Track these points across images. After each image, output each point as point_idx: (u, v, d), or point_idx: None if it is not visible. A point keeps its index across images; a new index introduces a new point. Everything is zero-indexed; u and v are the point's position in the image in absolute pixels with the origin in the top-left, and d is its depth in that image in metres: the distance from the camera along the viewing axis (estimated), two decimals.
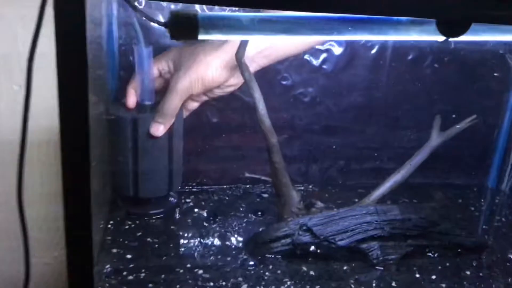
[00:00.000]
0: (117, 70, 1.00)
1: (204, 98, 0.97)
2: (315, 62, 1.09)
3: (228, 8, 0.89)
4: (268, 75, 1.07)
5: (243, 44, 0.81)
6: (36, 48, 0.55)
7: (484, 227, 1.06)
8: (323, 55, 1.09)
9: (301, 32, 0.55)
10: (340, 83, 1.12)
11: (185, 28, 0.53)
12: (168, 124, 0.90)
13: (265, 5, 0.50)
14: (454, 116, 1.13)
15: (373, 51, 1.11)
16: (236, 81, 0.92)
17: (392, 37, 0.58)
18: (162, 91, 0.93)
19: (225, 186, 1.14)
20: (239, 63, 0.83)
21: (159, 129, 0.89)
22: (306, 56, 1.08)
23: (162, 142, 0.94)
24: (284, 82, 1.09)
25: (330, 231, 0.83)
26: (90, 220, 0.57)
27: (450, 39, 0.59)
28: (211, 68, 0.87)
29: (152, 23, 0.99)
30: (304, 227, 0.84)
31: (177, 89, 0.88)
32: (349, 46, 1.09)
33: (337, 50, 1.09)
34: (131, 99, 0.93)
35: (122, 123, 0.91)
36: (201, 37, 0.53)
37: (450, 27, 0.58)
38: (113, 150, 0.93)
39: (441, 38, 0.59)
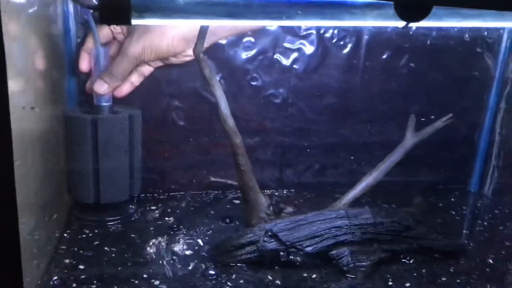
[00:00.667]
0: (74, 70, 0.95)
1: (160, 64, 0.93)
2: (286, 62, 1.05)
3: None
4: (236, 75, 1.03)
5: (201, 39, 0.76)
6: None
7: (465, 231, 1.01)
8: (294, 55, 1.05)
9: (246, 16, 0.51)
10: (312, 84, 1.07)
11: (116, 12, 0.48)
12: (113, 86, 0.88)
13: None
14: (432, 117, 1.08)
15: (346, 50, 1.07)
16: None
17: (346, 22, 0.53)
18: (116, 54, 0.90)
19: (194, 192, 1.09)
20: (197, 59, 0.78)
21: (102, 87, 0.87)
22: (276, 56, 1.04)
23: (123, 144, 0.89)
24: (254, 83, 1.05)
25: (297, 236, 0.78)
26: (17, 226, 0.52)
27: (411, 25, 0.55)
28: (166, 38, 0.84)
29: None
30: (270, 233, 0.79)
31: (128, 54, 0.85)
32: (321, 45, 1.05)
33: (309, 49, 1.05)
34: (84, 63, 0.89)
35: (81, 124, 0.86)
36: (134, 21, 0.48)
37: (409, 11, 0.53)
38: (71, 153, 0.88)
39: (400, 23, 0.55)
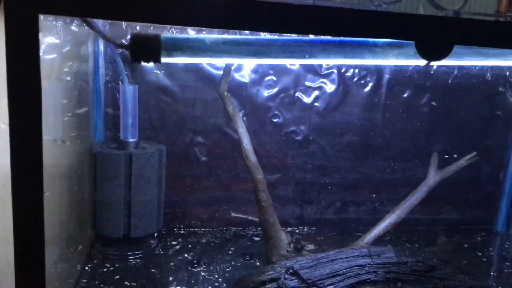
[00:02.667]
0: (102, 107, 0.98)
1: None
2: (307, 100, 1.06)
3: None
4: (258, 112, 1.05)
5: (225, 78, 0.79)
6: None
7: (492, 273, 0.98)
8: (315, 93, 1.06)
9: (270, 55, 0.52)
10: (333, 121, 1.08)
11: (146, 51, 0.50)
12: None
13: (236, 27, 0.48)
14: (455, 155, 1.08)
15: (367, 88, 1.08)
16: None
17: (368, 61, 0.55)
18: None
19: (214, 229, 1.09)
20: (222, 96, 0.81)
21: None
22: (298, 94, 1.05)
23: (153, 179, 0.91)
24: (275, 120, 1.06)
25: (318, 274, 0.77)
26: (43, 257, 0.52)
27: (432, 63, 0.56)
28: None
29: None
30: (291, 270, 0.78)
31: None
32: (342, 84, 1.06)
33: (330, 88, 1.06)
34: None
35: (114, 159, 0.88)
36: (164, 59, 0.51)
37: (430, 50, 0.54)
38: (101, 188, 0.90)
39: (422, 62, 0.56)
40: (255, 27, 0.47)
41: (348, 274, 0.77)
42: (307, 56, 0.52)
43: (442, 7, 0.88)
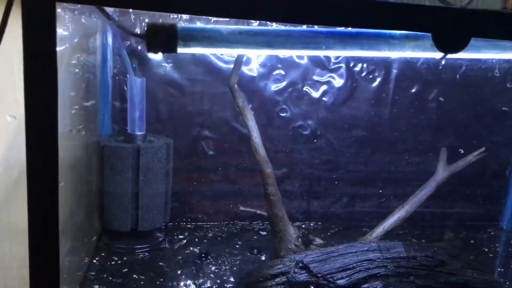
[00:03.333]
0: (110, 100, 0.97)
1: None
2: (315, 94, 1.06)
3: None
4: (266, 107, 1.04)
5: (236, 70, 0.78)
6: None
7: (499, 269, 0.97)
8: (323, 87, 1.06)
9: (286, 46, 0.52)
10: (341, 116, 1.08)
11: (163, 40, 0.50)
12: None
13: (252, 16, 0.47)
14: (462, 151, 1.07)
15: (375, 83, 1.07)
16: None
17: (385, 53, 0.54)
18: None
19: (221, 223, 1.08)
20: (232, 89, 0.80)
21: None
22: (306, 88, 1.05)
23: (160, 172, 0.91)
24: (283, 114, 1.06)
25: (328, 268, 0.77)
26: (57, 248, 0.52)
27: (449, 56, 0.56)
28: None
29: (148, 54, 0.98)
30: (300, 264, 0.77)
31: None
32: (350, 78, 1.06)
33: (338, 82, 1.06)
34: None
35: (122, 153, 0.88)
36: (180, 50, 0.50)
37: (447, 42, 0.54)
38: (109, 181, 0.89)
39: (438, 54, 0.55)
40: (268, 17, 0.47)
41: (358, 268, 0.77)
42: (323, 47, 0.52)
43: (448, 2, 0.87)
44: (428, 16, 0.53)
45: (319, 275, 0.76)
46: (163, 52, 0.51)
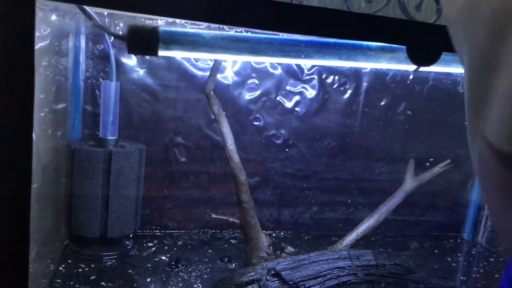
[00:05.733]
0: (81, 103, 0.96)
1: None
2: (288, 104, 1.07)
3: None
4: (240, 115, 1.05)
5: (212, 76, 0.78)
6: None
7: (462, 278, 1.01)
8: (296, 97, 1.07)
9: (267, 54, 0.53)
10: (312, 127, 1.09)
11: (144, 42, 0.50)
12: None
13: (232, 22, 0.48)
14: (428, 164, 1.11)
15: (346, 95, 1.10)
16: None
17: (361, 63, 0.56)
18: None
19: (191, 231, 1.07)
20: (208, 96, 0.80)
21: None
22: (279, 98, 1.06)
23: (132, 178, 0.89)
24: (256, 123, 1.07)
25: (299, 276, 0.77)
26: (27, 254, 0.50)
27: (421, 69, 0.58)
28: None
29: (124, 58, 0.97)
30: (272, 272, 0.78)
31: None
32: (322, 90, 1.08)
33: (310, 93, 1.08)
34: None
35: (93, 157, 0.86)
36: (161, 53, 0.50)
37: (420, 56, 0.56)
38: (78, 186, 0.87)
39: (411, 67, 0.58)
40: (241, 23, 0.48)
41: (329, 276, 0.78)
42: (303, 56, 0.53)
43: (411, 15, 0.91)
44: (403, 29, 0.55)
45: (290, 282, 0.77)
46: (143, 55, 0.51)
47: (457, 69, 0.59)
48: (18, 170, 0.47)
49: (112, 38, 0.80)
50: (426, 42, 0.55)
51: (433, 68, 0.57)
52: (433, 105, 1.15)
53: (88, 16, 0.50)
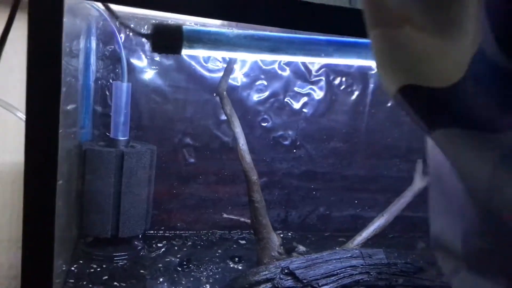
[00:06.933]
0: (91, 104, 0.96)
1: None
2: (296, 106, 1.08)
3: None
4: (248, 116, 1.06)
5: (225, 77, 0.79)
6: None
7: None
8: (304, 99, 1.08)
9: (288, 52, 0.54)
10: (320, 127, 1.10)
11: (168, 41, 0.50)
12: None
13: (254, 20, 0.49)
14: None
15: (353, 96, 1.11)
16: None
17: None
18: None
19: (200, 231, 1.08)
20: (220, 96, 0.81)
21: None
22: (287, 99, 1.07)
23: (144, 179, 0.89)
24: (264, 124, 1.07)
25: (313, 275, 0.78)
26: (52, 266, 0.51)
27: None
28: None
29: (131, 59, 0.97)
30: (286, 270, 0.78)
31: None
32: (330, 91, 1.09)
33: (318, 95, 1.09)
34: None
35: (105, 157, 0.86)
36: (184, 51, 0.51)
37: None
38: (90, 186, 0.87)
39: None
40: (252, 19, 0.48)
41: (342, 274, 0.79)
42: (323, 54, 0.54)
43: None
44: None
45: (304, 281, 0.77)
46: (167, 53, 0.52)
47: None
48: (46, 167, 0.47)
49: (128, 35, 0.81)
50: None
51: None
52: None
53: (114, 15, 0.50)
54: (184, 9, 0.44)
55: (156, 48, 0.50)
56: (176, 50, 0.50)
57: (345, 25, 0.51)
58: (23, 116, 0.80)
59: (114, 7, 0.56)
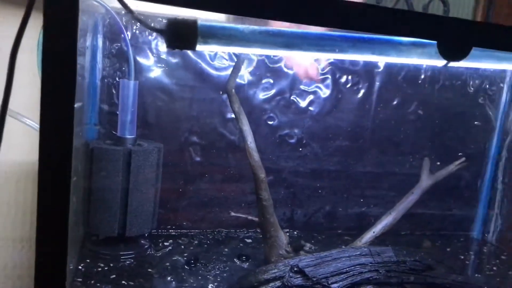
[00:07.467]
0: (97, 102, 0.95)
1: None
2: (302, 104, 1.08)
3: None
4: (254, 114, 1.05)
5: (234, 74, 0.79)
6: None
7: (476, 275, 1.02)
8: (310, 97, 1.08)
9: (302, 47, 0.53)
10: (326, 126, 1.10)
11: (183, 36, 0.50)
12: None
13: (268, 16, 0.48)
14: (438, 163, 1.12)
15: (359, 95, 1.11)
16: None
17: (393, 59, 0.57)
18: None
19: (206, 230, 1.07)
20: (229, 94, 0.81)
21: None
22: (293, 97, 1.07)
23: (151, 177, 0.89)
24: (270, 122, 1.07)
25: (322, 272, 0.78)
26: (65, 265, 0.50)
27: (450, 64, 0.59)
28: None
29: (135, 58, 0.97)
30: (295, 268, 0.78)
31: None
32: (336, 89, 1.09)
33: (324, 93, 1.09)
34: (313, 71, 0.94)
35: (113, 155, 0.85)
36: (199, 47, 0.50)
37: (450, 51, 0.57)
38: (97, 184, 0.87)
39: (441, 62, 0.58)
40: (279, 16, 0.48)
41: (351, 272, 0.78)
42: (337, 50, 0.54)
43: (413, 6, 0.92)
44: (434, 24, 0.56)
45: (314, 279, 0.77)
46: (181, 49, 0.51)
47: (485, 65, 0.60)
48: (60, 164, 0.47)
49: (135, 33, 0.80)
50: (457, 37, 0.56)
51: (462, 64, 0.57)
52: (444, 106, 1.16)
53: (129, 9, 0.50)
54: (202, 4, 0.44)
55: (171, 43, 0.50)
56: (191, 46, 0.50)
57: (372, 22, 0.51)
58: (31, 122, 0.80)
59: (119, 4, 0.55)
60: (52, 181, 0.47)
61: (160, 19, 0.87)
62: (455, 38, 0.56)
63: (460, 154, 1.15)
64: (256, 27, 0.51)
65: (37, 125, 0.55)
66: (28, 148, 0.93)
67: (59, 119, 0.47)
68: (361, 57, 0.55)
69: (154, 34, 0.89)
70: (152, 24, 0.50)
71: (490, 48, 0.57)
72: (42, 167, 0.47)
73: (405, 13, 0.55)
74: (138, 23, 0.91)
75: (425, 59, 0.57)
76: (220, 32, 0.50)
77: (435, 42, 0.56)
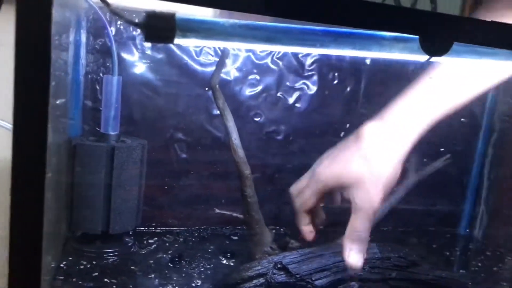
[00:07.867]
0: (81, 98, 0.94)
1: None
2: (288, 100, 1.07)
3: None
4: (240, 111, 1.05)
5: (218, 69, 0.78)
6: None
7: (461, 271, 1.02)
8: (296, 93, 1.08)
9: (284, 42, 0.53)
10: (313, 122, 1.10)
11: (161, 30, 0.49)
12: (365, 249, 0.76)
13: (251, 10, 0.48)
14: (425, 160, 1.12)
15: (346, 91, 1.10)
16: None
17: (375, 53, 0.56)
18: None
19: (191, 228, 1.07)
20: (213, 89, 0.80)
21: (360, 260, 0.75)
22: (280, 94, 1.06)
23: (135, 174, 0.88)
24: (256, 119, 1.06)
25: (306, 269, 0.77)
26: (40, 262, 0.49)
27: (432, 59, 0.58)
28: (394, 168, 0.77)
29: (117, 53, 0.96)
30: (279, 265, 0.77)
31: (370, 211, 0.76)
32: (322, 86, 1.09)
33: (311, 89, 1.08)
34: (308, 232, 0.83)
35: (95, 152, 0.84)
36: (177, 40, 0.50)
37: (432, 46, 0.57)
38: (79, 181, 0.86)
39: (423, 57, 0.58)
40: (262, 11, 0.47)
41: (335, 269, 0.78)
42: (318, 45, 0.53)
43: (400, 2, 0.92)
44: (416, 19, 0.55)
45: (297, 275, 0.77)
46: (159, 42, 0.51)
47: (467, 60, 0.60)
48: (33, 161, 0.46)
49: (119, 29, 0.79)
50: (439, 32, 0.56)
51: (444, 59, 0.57)
52: None
53: (106, 3, 0.49)
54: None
55: (148, 38, 0.49)
56: (169, 39, 0.49)
57: (353, 17, 0.50)
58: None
59: None
60: (25, 178, 0.46)
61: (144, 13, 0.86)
62: (437, 33, 0.56)
63: (445, 150, 1.15)
64: (236, 21, 0.50)
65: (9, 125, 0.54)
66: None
67: (33, 116, 0.46)
68: (343, 52, 0.55)
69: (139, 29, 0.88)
70: (136, 20, 0.49)
71: (472, 44, 0.57)
72: (15, 164, 0.45)
73: (387, 7, 0.55)
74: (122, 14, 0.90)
75: (407, 54, 0.57)
76: (199, 25, 0.50)
77: (417, 37, 0.56)
